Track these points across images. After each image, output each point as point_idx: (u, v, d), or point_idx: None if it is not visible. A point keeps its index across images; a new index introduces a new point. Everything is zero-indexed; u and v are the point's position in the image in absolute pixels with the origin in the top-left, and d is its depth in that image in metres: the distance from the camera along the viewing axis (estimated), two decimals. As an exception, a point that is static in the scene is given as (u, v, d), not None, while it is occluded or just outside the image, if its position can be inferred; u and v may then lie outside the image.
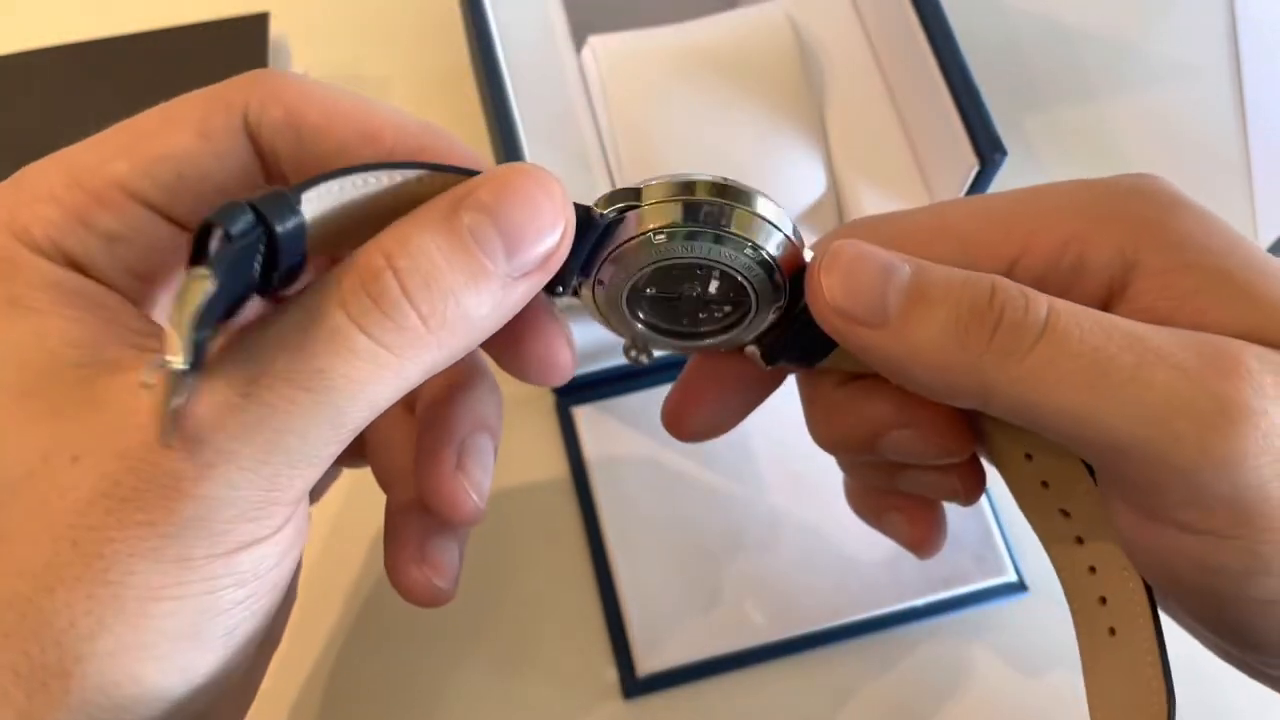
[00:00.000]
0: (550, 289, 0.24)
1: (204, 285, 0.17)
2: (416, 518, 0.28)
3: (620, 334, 0.26)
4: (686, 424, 0.28)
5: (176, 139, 0.22)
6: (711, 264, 0.23)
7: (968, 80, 0.36)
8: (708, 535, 0.40)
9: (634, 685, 0.38)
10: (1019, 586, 0.40)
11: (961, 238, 0.24)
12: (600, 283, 0.24)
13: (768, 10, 0.43)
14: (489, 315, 0.21)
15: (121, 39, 0.46)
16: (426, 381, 0.26)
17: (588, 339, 0.40)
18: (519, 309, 0.22)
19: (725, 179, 0.23)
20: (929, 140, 0.39)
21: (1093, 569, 0.25)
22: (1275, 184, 0.49)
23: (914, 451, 0.26)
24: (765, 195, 0.23)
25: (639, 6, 0.44)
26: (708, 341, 0.25)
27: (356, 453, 0.30)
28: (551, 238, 0.21)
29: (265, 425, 0.19)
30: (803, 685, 0.39)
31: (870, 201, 0.40)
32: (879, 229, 0.25)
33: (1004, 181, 0.36)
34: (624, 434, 0.41)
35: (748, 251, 0.23)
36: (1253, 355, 0.21)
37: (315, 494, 0.31)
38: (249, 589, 0.21)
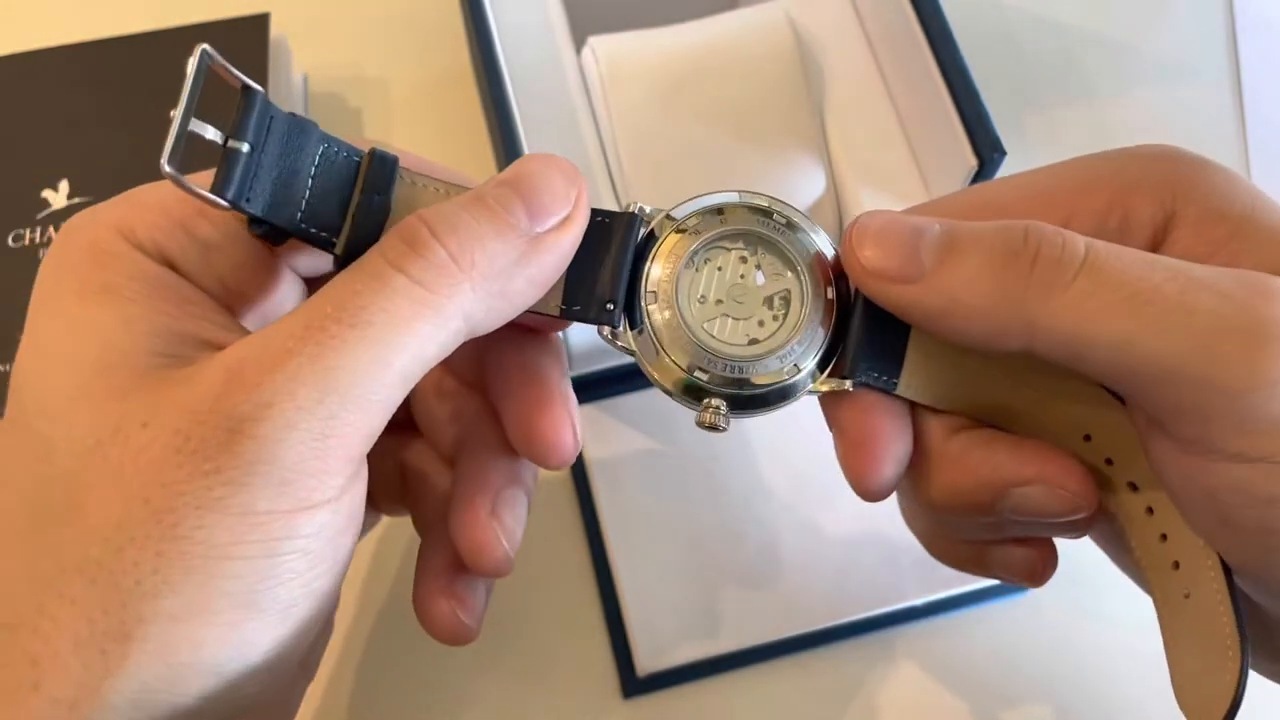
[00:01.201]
0: (601, 320, 0.25)
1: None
2: (449, 559, 0.29)
3: (682, 377, 0.25)
4: (876, 484, 0.26)
5: None
6: (754, 235, 0.25)
7: (967, 80, 0.36)
8: (708, 535, 0.40)
9: (634, 685, 0.38)
10: (1019, 586, 0.40)
11: (1004, 211, 0.25)
12: (652, 294, 0.25)
13: (768, 10, 0.43)
14: (518, 267, 0.23)
15: (121, 39, 0.46)
16: (467, 436, 0.28)
17: (587, 338, 0.40)
18: (556, 271, 0.24)
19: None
20: (928, 140, 0.39)
21: (1164, 536, 0.25)
22: (1275, 184, 0.49)
23: (1043, 510, 0.25)
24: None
25: (639, 6, 0.44)
26: (773, 363, 0.25)
27: (396, 498, 0.31)
28: (566, 199, 0.23)
29: (316, 362, 0.20)
30: (803, 685, 0.39)
31: (870, 201, 0.40)
32: (914, 210, 0.26)
33: (1003, 181, 0.36)
34: (624, 434, 0.41)
35: (784, 228, 0.25)
36: None
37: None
38: (309, 560, 0.21)
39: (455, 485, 0.29)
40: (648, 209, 0.26)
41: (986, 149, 0.35)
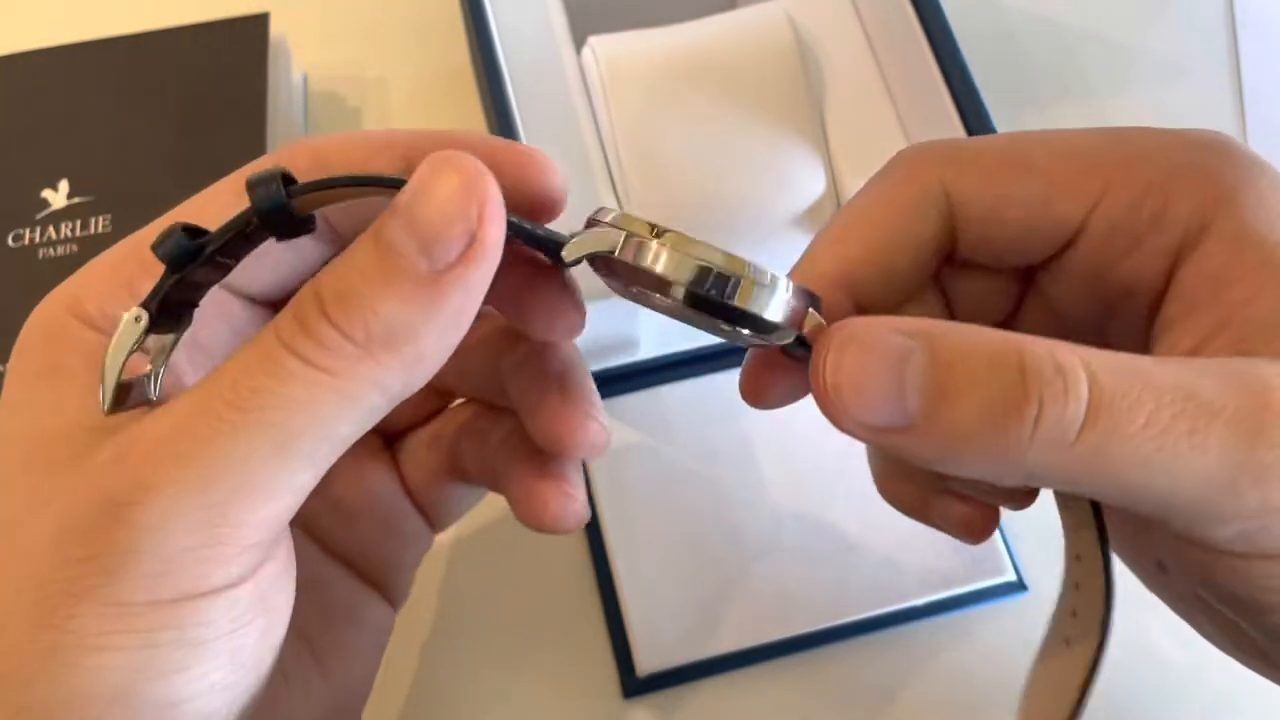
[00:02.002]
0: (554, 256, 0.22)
1: (135, 327, 0.20)
2: (533, 459, 0.28)
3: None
4: (764, 397, 0.26)
5: (210, 201, 0.23)
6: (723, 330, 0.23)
7: (967, 80, 0.36)
8: (708, 535, 0.40)
9: (634, 685, 0.38)
10: (1019, 586, 0.40)
11: (1044, 174, 0.23)
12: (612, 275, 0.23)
13: (768, 10, 0.43)
14: (425, 322, 0.20)
15: (121, 39, 0.46)
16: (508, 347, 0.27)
17: (587, 338, 0.40)
18: (469, 313, 0.20)
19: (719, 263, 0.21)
20: (929, 139, 0.39)
21: (1078, 557, 0.25)
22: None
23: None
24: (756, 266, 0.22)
25: (639, 6, 0.44)
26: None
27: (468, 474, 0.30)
28: (464, 217, 0.19)
29: (203, 447, 0.19)
30: (803, 685, 0.39)
31: (870, 201, 0.40)
32: (955, 155, 0.24)
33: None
34: (624, 434, 0.41)
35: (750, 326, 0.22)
36: None
37: (397, 594, 0.31)
38: (199, 652, 0.20)
39: (520, 392, 0.27)
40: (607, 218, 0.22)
41: (987, 149, 0.35)
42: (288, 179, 0.20)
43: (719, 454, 0.41)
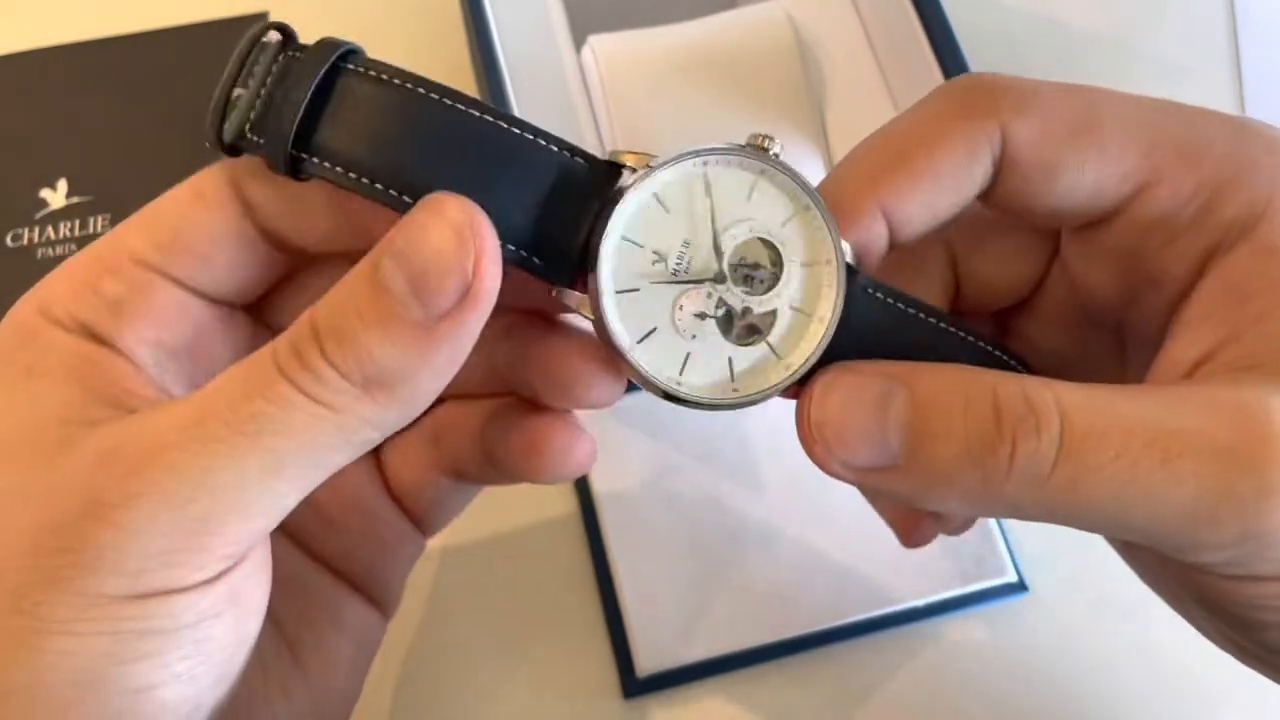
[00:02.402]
0: (552, 277, 0.23)
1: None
2: (532, 417, 0.27)
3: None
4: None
5: (174, 203, 0.24)
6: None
7: (968, 80, 0.36)
8: (708, 536, 0.40)
9: (634, 685, 0.38)
10: (1019, 586, 0.40)
11: (1105, 145, 0.23)
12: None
13: (768, 9, 0.43)
14: (420, 366, 0.20)
15: (121, 39, 0.46)
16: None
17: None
18: (460, 355, 0.21)
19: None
20: (929, 140, 0.39)
21: None
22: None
23: None
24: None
25: (639, 6, 0.44)
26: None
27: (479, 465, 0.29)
28: (459, 269, 0.20)
29: (196, 461, 0.19)
30: (803, 685, 0.38)
31: (870, 201, 0.40)
32: (1023, 100, 0.23)
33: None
34: (625, 434, 0.41)
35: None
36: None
37: (388, 601, 0.30)
38: (166, 641, 0.20)
39: (518, 360, 0.27)
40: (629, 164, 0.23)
41: (987, 148, 0.35)
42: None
43: (719, 454, 0.41)
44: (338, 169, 0.21)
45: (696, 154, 0.22)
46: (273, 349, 0.20)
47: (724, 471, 0.41)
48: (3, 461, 0.21)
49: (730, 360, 0.23)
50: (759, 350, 0.23)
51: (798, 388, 0.23)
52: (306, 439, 0.20)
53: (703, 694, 0.38)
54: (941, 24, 0.37)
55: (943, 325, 0.24)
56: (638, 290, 0.22)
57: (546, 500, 0.41)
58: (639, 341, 0.23)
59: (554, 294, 0.23)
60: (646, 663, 0.38)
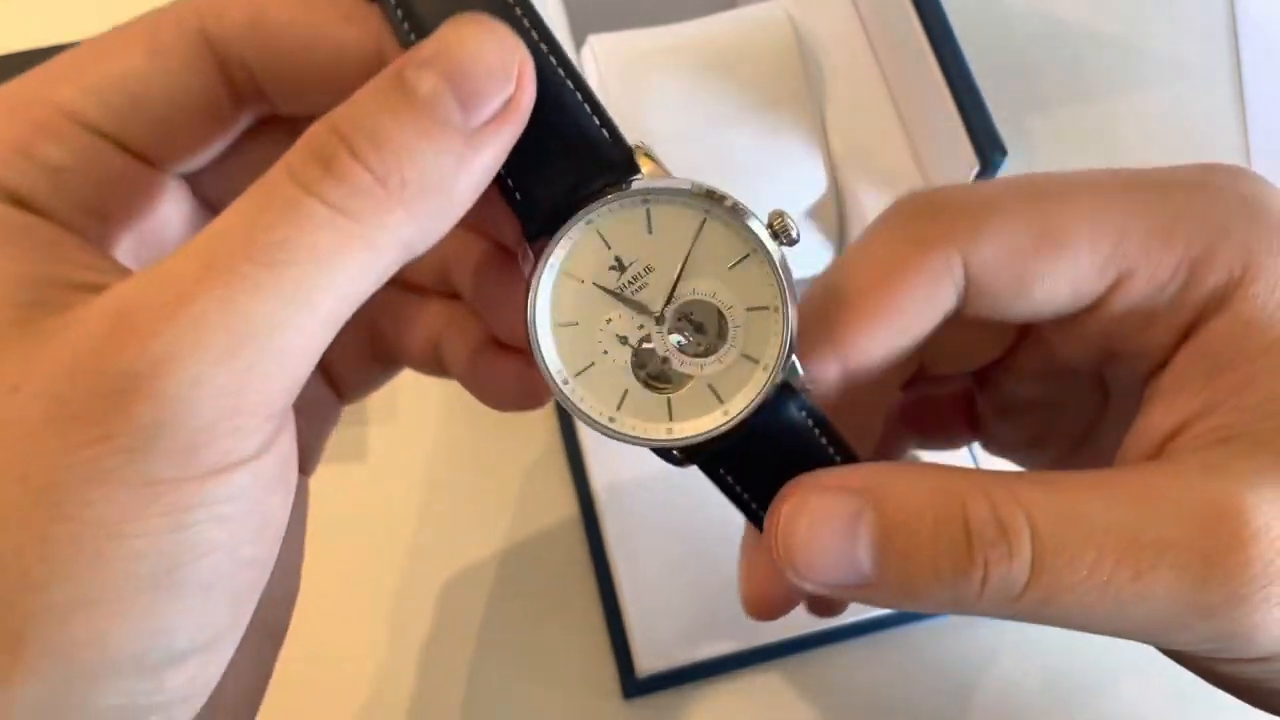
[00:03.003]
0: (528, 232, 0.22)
1: None
2: (491, 346, 0.26)
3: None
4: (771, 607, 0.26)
5: (124, 59, 0.21)
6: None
7: (968, 80, 0.36)
8: (708, 535, 0.40)
9: (634, 685, 0.38)
10: (1019, 586, 0.40)
11: (1073, 252, 0.22)
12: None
13: (768, 9, 0.43)
14: (457, 173, 0.19)
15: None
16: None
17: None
18: (493, 169, 0.20)
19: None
20: (929, 140, 0.39)
21: None
22: (1275, 182, 0.49)
23: None
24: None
25: (639, 6, 0.44)
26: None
27: (388, 360, 0.28)
28: (505, 75, 0.19)
29: (227, 307, 0.17)
30: (803, 685, 0.38)
31: (870, 201, 0.40)
32: (976, 223, 0.23)
33: (1004, 181, 0.36)
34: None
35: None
36: (1257, 512, 0.20)
37: (307, 461, 0.28)
38: (229, 528, 0.18)
39: (481, 298, 0.26)
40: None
41: (988, 149, 0.35)
42: None
43: (719, 454, 0.41)
44: None
45: (708, 197, 0.21)
46: (286, 168, 0.18)
47: (724, 471, 0.41)
48: None
49: (669, 404, 0.22)
50: (697, 390, 0.22)
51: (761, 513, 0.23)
52: (337, 263, 0.18)
53: (703, 694, 0.38)
54: (941, 24, 0.37)
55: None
56: (583, 283, 0.22)
57: (547, 500, 0.41)
58: (561, 324, 0.22)
59: (520, 255, 0.23)
60: (646, 663, 0.38)
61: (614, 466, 0.41)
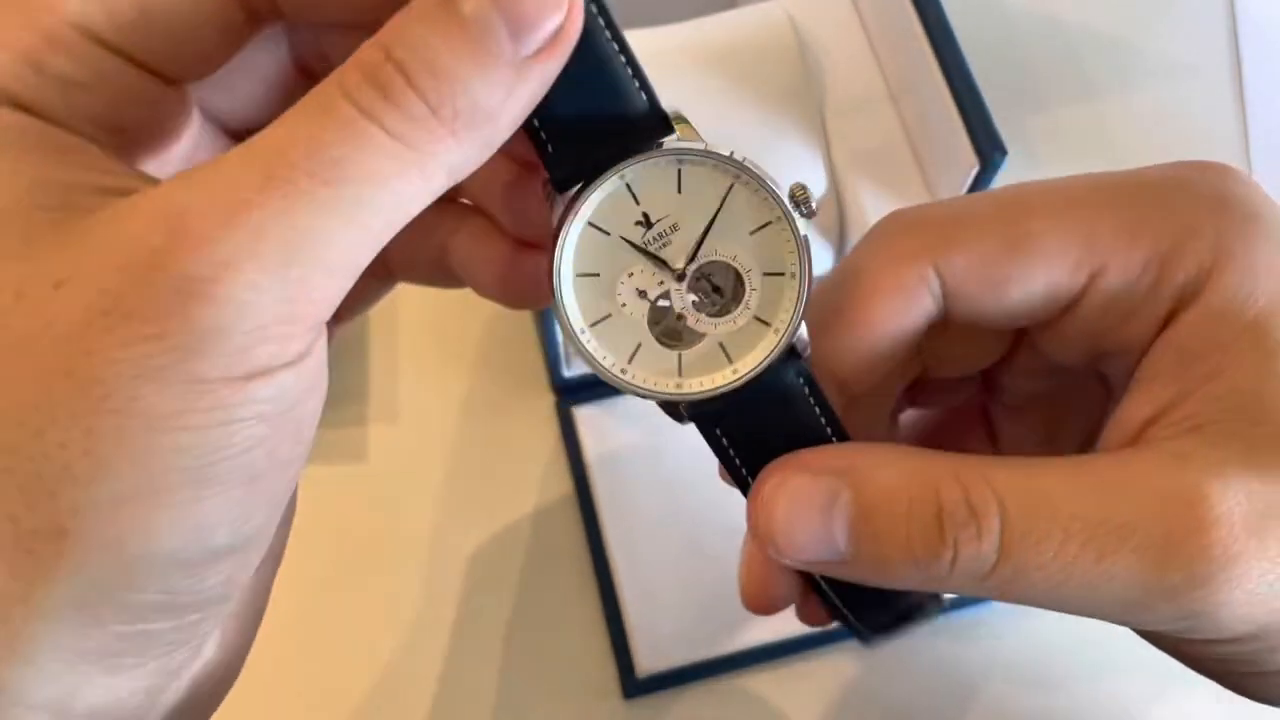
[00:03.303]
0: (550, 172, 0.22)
1: None
2: (503, 241, 0.26)
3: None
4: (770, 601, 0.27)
5: None
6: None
7: (968, 80, 0.36)
8: (708, 535, 0.40)
9: (634, 685, 0.38)
10: (1019, 586, 0.40)
11: (1043, 252, 0.23)
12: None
13: (768, 10, 0.43)
14: (504, 104, 0.19)
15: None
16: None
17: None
18: (539, 97, 0.20)
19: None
20: (929, 140, 0.39)
21: None
22: (1275, 184, 0.49)
23: None
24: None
25: (639, 6, 0.44)
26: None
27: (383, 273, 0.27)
28: (556, 10, 0.19)
29: (285, 219, 0.17)
30: (803, 685, 0.38)
31: (870, 202, 0.40)
32: (948, 235, 0.24)
33: (1005, 181, 0.36)
34: (624, 434, 0.41)
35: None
36: (1222, 499, 0.20)
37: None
38: (270, 425, 0.18)
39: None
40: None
41: (988, 148, 0.35)
42: None
43: (719, 454, 0.41)
44: None
45: (736, 164, 0.22)
46: (340, 88, 0.18)
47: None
48: None
49: (679, 360, 0.23)
50: (707, 346, 0.23)
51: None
52: (391, 186, 0.18)
53: (703, 694, 0.38)
54: (941, 24, 0.37)
55: (833, 439, 0.24)
56: (608, 235, 0.22)
57: (547, 501, 0.41)
58: (578, 276, 0.23)
59: (547, 197, 0.23)
60: (646, 663, 0.38)
61: (614, 467, 0.41)
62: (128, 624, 0.18)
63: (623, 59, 0.21)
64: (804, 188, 0.22)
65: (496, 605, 0.40)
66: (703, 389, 0.23)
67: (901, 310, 0.24)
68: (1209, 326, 0.22)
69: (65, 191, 0.19)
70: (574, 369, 0.42)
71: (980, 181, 0.36)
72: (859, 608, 0.25)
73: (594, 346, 0.23)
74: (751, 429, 0.24)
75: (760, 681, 0.39)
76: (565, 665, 0.39)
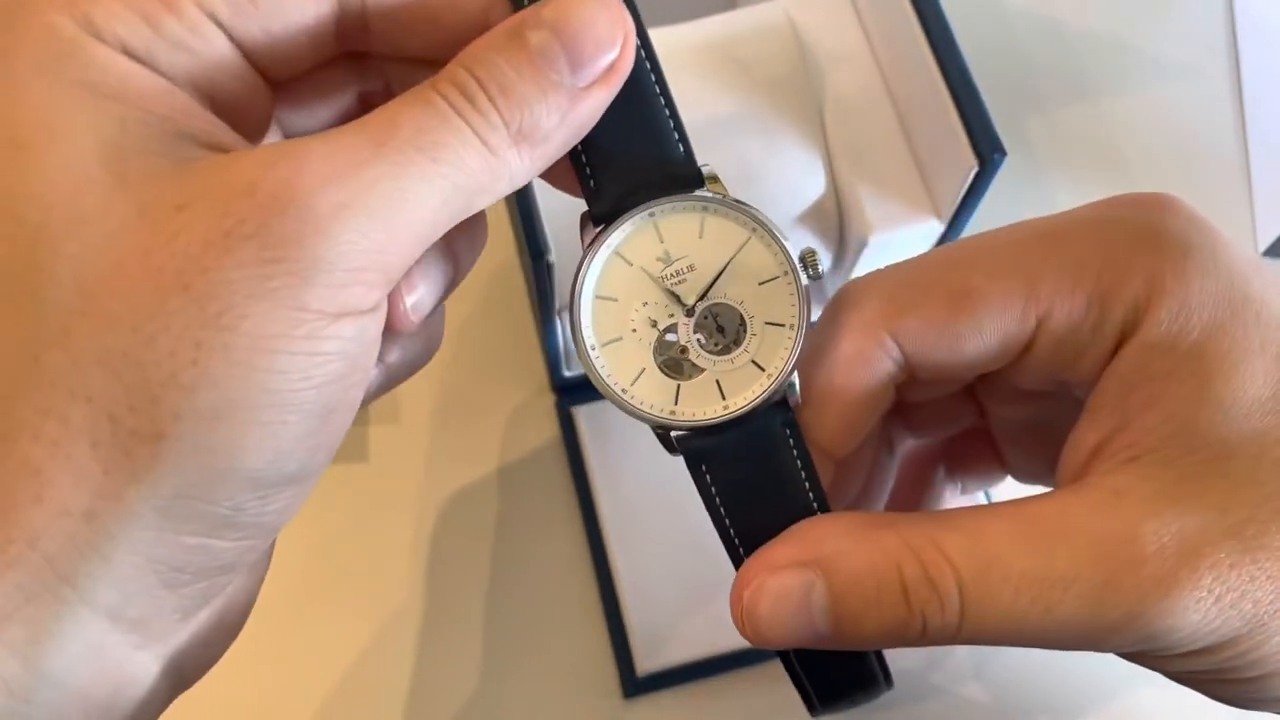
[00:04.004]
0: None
1: None
2: None
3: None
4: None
5: None
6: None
7: (967, 80, 0.36)
8: (708, 535, 0.40)
9: (634, 685, 0.38)
10: (1018, 586, 0.40)
11: (987, 305, 0.25)
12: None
13: (768, 9, 0.43)
14: (558, 128, 0.22)
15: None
16: None
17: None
18: (589, 125, 0.23)
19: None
20: (929, 141, 0.39)
21: None
22: (1274, 184, 0.49)
23: None
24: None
25: (639, 6, 0.44)
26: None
27: None
28: (611, 48, 0.22)
29: (394, 183, 0.20)
30: (802, 685, 0.39)
31: (870, 202, 0.40)
32: (897, 301, 0.26)
33: (1004, 181, 0.36)
34: (624, 434, 0.41)
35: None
36: (1155, 536, 0.22)
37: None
38: (349, 364, 0.20)
39: None
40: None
41: (987, 149, 0.35)
42: None
43: (719, 454, 0.41)
44: None
45: (754, 219, 0.24)
46: (436, 91, 0.21)
47: (724, 471, 0.41)
48: (103, 169, 0.19)
49: (677, 390, 0.25)
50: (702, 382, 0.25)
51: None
52: (475, 177, 0.21)
53: (703, 693, 0.38)
54: (941, 24, 0.37)
55: (809, 491, 0.25)
56: (631, 265, 0.24)
57: (547, 501, 0.41)
58: (605, 345, 0.25)
59: (583, 221, 0.25)
60: (646, 662, 0.38)
61: (614, 467, 0.41)
62: (196, 536, 0.19)
63: (666, 109, 0.24)
64: (814, 253, 0.25)
65: (496, 605, 0.40)
66: (694, 419, 0.24)
67: (866, 378, 0.26)
68: (1146, 358, 0.24)
69: (175, 133, 0.20)
70: (574, 369, 0.42)
71: (979, 182, 0.36)
72: (823, 670, 0.27)
73: (602, 364, 0.24)
74: (735, 470, 0.25)
75: (760, 680, 0.39)
76: (565, 665, 0.39)
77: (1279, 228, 0.47)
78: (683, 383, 0.25)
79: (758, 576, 0.24)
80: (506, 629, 0.39)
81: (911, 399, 0.29)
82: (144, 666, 0.21)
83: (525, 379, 0.43)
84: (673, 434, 0.25)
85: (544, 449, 0.42)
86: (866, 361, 0.26)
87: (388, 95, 0.24)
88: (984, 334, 0.25)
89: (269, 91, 0.23)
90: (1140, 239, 0.24)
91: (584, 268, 0.24)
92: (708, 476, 0.25)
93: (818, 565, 0.24)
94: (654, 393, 0.24)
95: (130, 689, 0.20)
